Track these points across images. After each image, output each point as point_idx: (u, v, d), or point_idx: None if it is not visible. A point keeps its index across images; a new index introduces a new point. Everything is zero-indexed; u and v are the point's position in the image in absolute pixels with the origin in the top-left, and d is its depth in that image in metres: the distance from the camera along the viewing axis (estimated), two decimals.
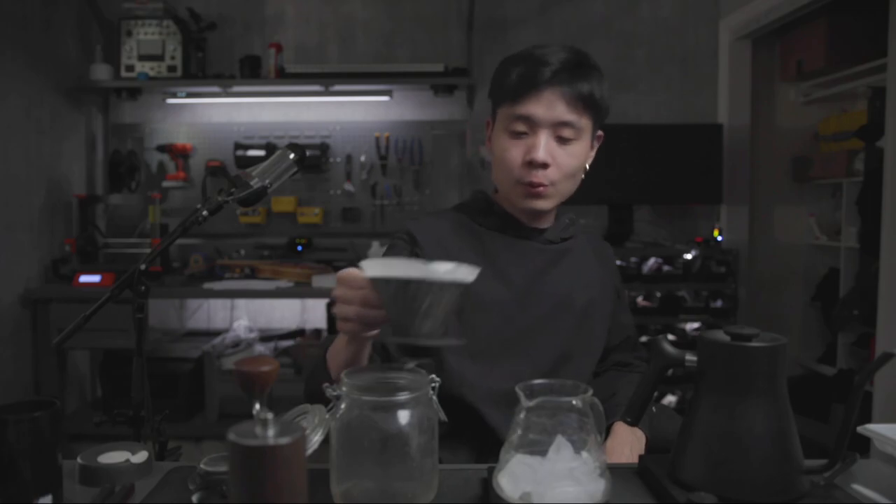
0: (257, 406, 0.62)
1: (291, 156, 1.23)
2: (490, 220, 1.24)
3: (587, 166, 1.21)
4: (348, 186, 3.54)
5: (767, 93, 3.68)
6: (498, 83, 1.18)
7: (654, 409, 1.24)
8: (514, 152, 1.14)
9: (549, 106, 1.11)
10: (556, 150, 1.13)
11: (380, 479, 0.79)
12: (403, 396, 0.78)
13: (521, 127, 1.13)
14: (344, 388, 0.79)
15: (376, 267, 0.79)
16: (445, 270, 0.78)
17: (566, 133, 1.13)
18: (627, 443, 1.13)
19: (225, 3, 3.56)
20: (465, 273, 0.79)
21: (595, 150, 1.23)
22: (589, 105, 1.13)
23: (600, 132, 1.22)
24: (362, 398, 0.78)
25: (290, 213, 3.54)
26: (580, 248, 1.28)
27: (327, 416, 0.84)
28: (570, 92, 1.11)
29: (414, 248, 1.20)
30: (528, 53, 1.15)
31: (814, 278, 3.68)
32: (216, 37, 3.48)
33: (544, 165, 1.13)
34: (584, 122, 1.14)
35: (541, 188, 1.14)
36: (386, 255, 1.23)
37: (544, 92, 1.11)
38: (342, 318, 0.87)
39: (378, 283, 0.80)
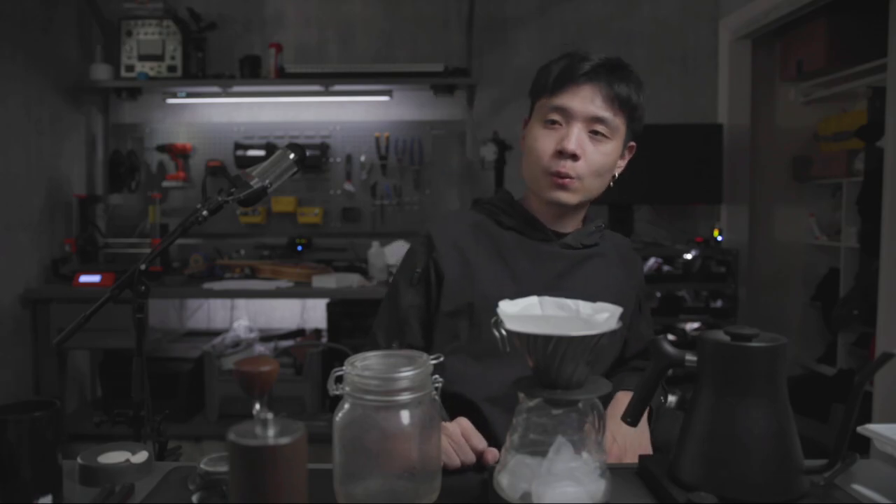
0: (257, 406, 0.62)
1: (291, 156, 1.23)
2: (511, 220, 1.24)
3: (616, 174, 1.22)
4: (348, 186, 3.54)
5: (767, 93, 3.68)
6: (538, 80, 1.21)
7: (653, 407, 1.24)
8: (546, 141, 1.16)
9: (585, 99, 1.13)
10: (587, 144, 1.15)
11: (383, 480, 0.79)
12: (406, 397, 0.77)
13: (555, 117, 1.15)
14: (347, 388, 0.79)
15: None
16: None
17: (600, 128, 1.14)
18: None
19: (225, 3, 3.56)
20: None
21: (626, 160, 1.24)
22: (624, 105, 1.16)
23: (633, 143, 1.23)
24: (365, 398, 0.77)
25: (290, 213, 3.54)
26: (604, 254, 1.26)
27: None
28: (607, 88, 1.14)
29: (431, 254, 1.22)
30: (571, 52, 1.18)
31: (814, 278, 3.69)
32: (216, 37, 3.48)
33: (574, 157, 1.14)
34: (618, 122, 1.16)
35: (567, 180, 1.15)
36: (406, 258, 1.26)
37: (583, 86, 1.13)
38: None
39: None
